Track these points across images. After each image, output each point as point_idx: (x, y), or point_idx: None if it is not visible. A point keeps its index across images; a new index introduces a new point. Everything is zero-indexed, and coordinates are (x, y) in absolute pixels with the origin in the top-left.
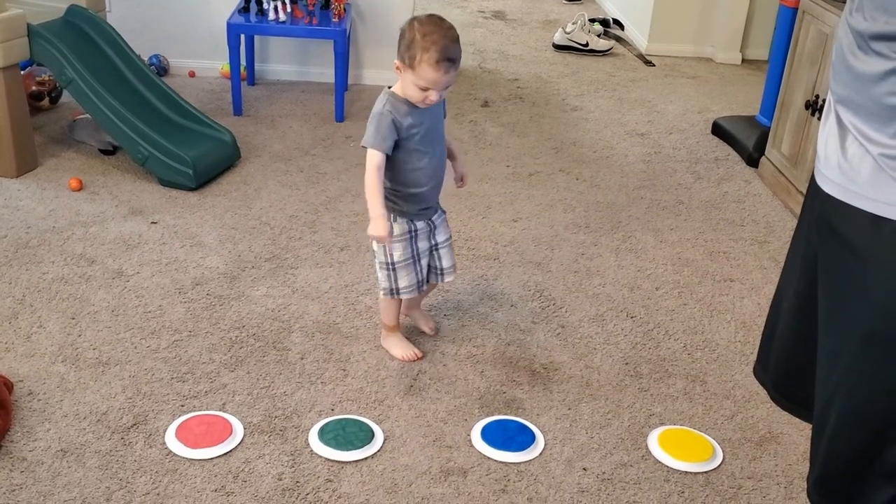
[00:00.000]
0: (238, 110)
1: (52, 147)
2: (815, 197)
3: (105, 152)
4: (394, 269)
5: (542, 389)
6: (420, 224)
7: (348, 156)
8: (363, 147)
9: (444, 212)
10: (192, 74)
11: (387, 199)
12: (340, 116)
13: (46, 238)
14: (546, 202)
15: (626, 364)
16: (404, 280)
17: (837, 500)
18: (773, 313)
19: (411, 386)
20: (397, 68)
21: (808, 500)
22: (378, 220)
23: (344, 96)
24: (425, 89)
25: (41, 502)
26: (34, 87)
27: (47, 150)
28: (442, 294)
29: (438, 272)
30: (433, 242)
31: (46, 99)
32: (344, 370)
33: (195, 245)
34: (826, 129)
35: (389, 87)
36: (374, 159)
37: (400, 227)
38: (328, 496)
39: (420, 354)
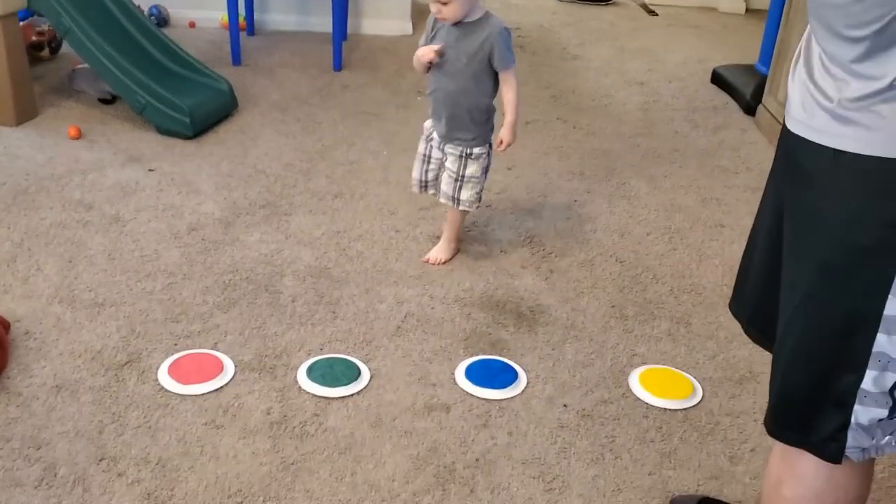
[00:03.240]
0: (237, 60)
1: (52, 96)
2: (784, 138)
3: (104, 101)
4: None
5: (527, 331)
6: (435, 137)
7: (345, 105)
8: None
9: (468, 153)
10: (192, 25)
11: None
12: (338, 66)
13: (45, 185)
14: (542, 150)
15: (613, 307)
16: (415, 171)
17: (791, 428)
18: (748, 250)
19: (399, 327)
20: None
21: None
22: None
23: (342, 46)
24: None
25: (36, 434)
26: (34, 38)
27: (47, 100)
28: (433, 241)
29: (438, 189)
30: (443, 161)
31: (46, 49)
32: (333, 312)
33: (191, 192)
34: (795, 70)
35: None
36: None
37: (428, 123)
38: (314, 429)
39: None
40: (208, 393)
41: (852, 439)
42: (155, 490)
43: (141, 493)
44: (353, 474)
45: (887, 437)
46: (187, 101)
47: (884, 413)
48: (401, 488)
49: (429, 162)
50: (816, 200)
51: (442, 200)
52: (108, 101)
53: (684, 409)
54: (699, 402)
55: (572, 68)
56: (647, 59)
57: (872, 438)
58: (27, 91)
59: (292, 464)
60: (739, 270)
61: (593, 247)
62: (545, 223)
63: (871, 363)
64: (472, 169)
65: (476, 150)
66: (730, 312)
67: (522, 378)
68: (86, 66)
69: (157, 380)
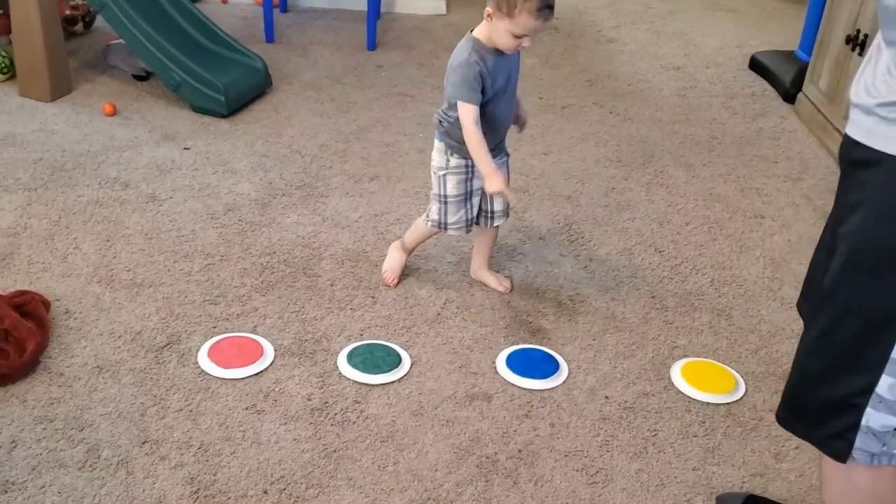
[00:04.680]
0: (270, 37)
1: (86, 72)
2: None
3: (138, 78)
4: (446, 203)
5: (567, 320)
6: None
7: (379, 85)
8: (456, 101)
9: (507, 155)
10: (224, 1)
11: (446, 134)
12: (372, 45)
13: (81, 162)
14: (578, 135)
15: (653, 297)
16: (453, 215)
17: (800, 420)
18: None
19: (438, 314)
20: (489, 16)
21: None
22: (492, 175)
23: (376, 24)
24: (520, 36)
25: (78, 415)
26: (68, 12)
27: (81, 75)
28: None
29: (488, 215)
30: None
31: (80, 23)
32: (373, 297)
33: (227, 171)
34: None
35: (471, 32)
36: (470, 114)
37: (457, 161)
38: (355, 416)
39: (394, 284)
40: (249, 377)
41: (860, 441)
42: (198, 474)
43: (184, 477)
44: (395, 463)
45: None
46: (222, 79)
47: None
48: (444, 478)
49: (471, 198)
50: (854, 196)
51: (498, 223)
52: (143, 77)
53: (727, 403)
54: (742, 397)
55: (608, 52)
56: (683, 43)
57: (883, 445)
58: (63, 66)
59: (334, 451)
60: (808, 268)
61: (632, 236)
62: (583, 210)
63: (888, 368)
64: (507, 171)
65: (509, 151)
66: (775, 307)
67: (564, 368)
68: (120, 41)
69: (197, 363)
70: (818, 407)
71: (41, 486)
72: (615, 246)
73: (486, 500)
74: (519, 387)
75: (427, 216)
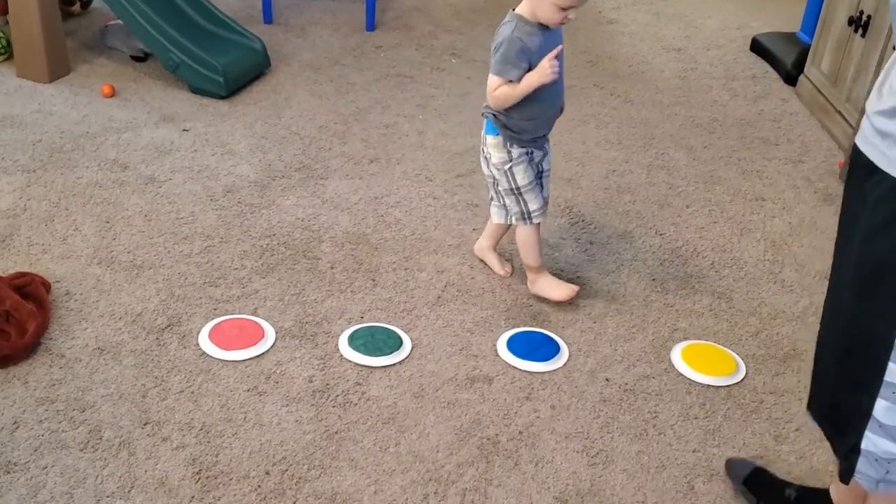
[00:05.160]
0: (268, 18)
1: (84, 53)
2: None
3: (136, 59)
4: (521, 194)
5: (568, 303)
6: (535, 152)
7: (378, 66)
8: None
9: (548, 147)
10: None
11: (504, 126)
12: (371, 26)
13: (80, 143)
14: (579, 117)
15: (653, 280)
16: (534, 203)
17: (826, 423)
18: None
19: (439, 297)
20: None
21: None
22: (537, 74)
23: (375, 5)
24: (566, 8)
25: (80, 396)
26: None
27: (79, 56)
28: (471, 208)
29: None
30: (540, 170)
31: (77, 4)
32: (373, 280)
33: (226, 153)
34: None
35: (513, 10)
36: (498, 89)
37: (518, 150)
38: (357, 398)
39: (577, 288)
40: (250, 359)
41: (862, 465)
42: (200, 455)
43: (186, 458)
44: (396, 444)
45: None
46: (221, 59)
47: None
48: (445, 459)
49: (541, 179)
50: (853, 208)
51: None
52: (141, 58)
53: (728, 385)
54: (742, 380)
55: (608, 33)
56: (684, 24)
57: (886, 472)
58: (60, 47)
59: (336, 433)
60: None
61: (633, 218)
62: (584, 193)
63: (883, 391)
64: None
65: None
66: (775, 290)
67: (564, 351)
68: (118, 22)
69: (198, 344)
70: (842, 418)
71: (43, 466)
72: (616, 229)
73: (486, 480)
74: (520, 369)
75: (507, 216)
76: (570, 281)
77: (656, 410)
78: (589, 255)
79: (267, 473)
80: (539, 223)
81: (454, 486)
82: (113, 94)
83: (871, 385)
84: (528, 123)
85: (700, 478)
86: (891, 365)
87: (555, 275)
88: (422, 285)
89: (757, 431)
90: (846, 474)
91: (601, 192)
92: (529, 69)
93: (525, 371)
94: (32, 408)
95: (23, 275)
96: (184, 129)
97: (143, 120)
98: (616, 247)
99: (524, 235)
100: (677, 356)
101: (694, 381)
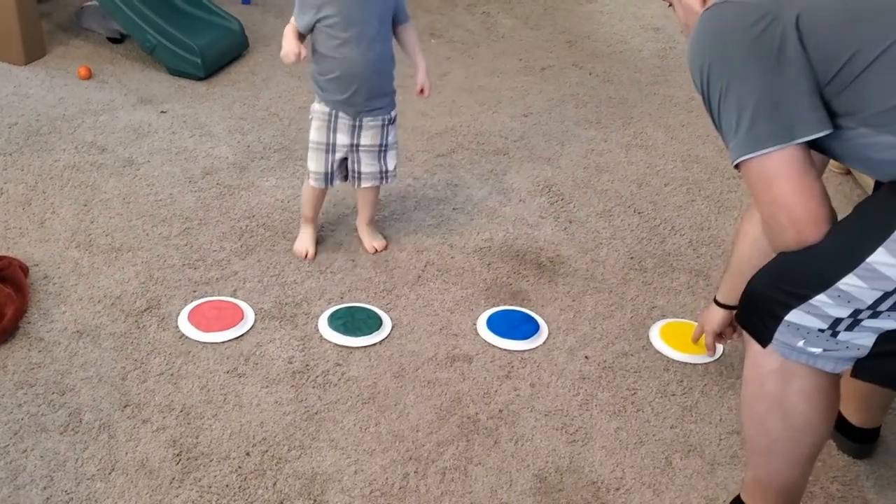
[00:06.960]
0: None
1: (60, 35)
2: None
3: (113, 40)
4: (308, 148)
5: (547, 282)
6: (343, 117)
7: None
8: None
9: (390, 120)
10: None
11: (311, 77)
12: None
13: (57, 126)
14: (558, 97)
15: (632, 258)
16: (312, 163)
17: (750, 326)
18: None
19: (419, 277)
20: None
21: None
22: (289, 36)
23: None
24: None
25: (59, 380)
26: None
27: (55, 38)
28: (451, 188)
29: (355, 175)
30: (354, 142)
31: None
32: (353, 261)
33: (204, 135)
34: None
35: None
36: (290, 26)
37: (321, 108)
38: (337, 378)
39: (311, 257)
40: (229, 341)
41: (780, 333)
42: (180, 437)
43: (166, 440)
44: (377, 424)
45: (812, 349)
46: (198, 41)
47: (820, 327)
48: (425, 438)
49: (334, 151)
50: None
51: (367, 185)
52: (118, 40)
53: (704, 363)
54: (719, 357)
55: (587, 12)
56: (663, 3)
57: (804, 341)
58: (35, 29)
59: (316, 413)
60: None
61: (611, 197)
62: (563, 172)
63: (830, 292)
64: (393, 134)
65: (394, 113)
66: None
67: (544, 329)
68: (94, 3)
69: (177, 327)
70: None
71: (23, 450)
72: (595, 207)
73: (467, 459)
74: (499, 348)
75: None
76: (549, 260)
77: (635, 388)
78: (568, 234)
79: (247, 454)
80: (318, 188)
81: (434, 464)
82: (89, 76)
83: (822, 284)
84: (328, 83)
85: (678, 453)
86: (850, 276)
87: (534, 254)
88: (402, 265)
89: (733, 407)
90: (765, 338)
91: (580, 171)
92: (316, 25)
93: (505, 350)
94: (11, 391)
95: (0, 258)
96: (161, 111)
97: (120, 102)
98: (595, 225)
99: (303, 189)
100: (655, 334)
101: (671, 359)
